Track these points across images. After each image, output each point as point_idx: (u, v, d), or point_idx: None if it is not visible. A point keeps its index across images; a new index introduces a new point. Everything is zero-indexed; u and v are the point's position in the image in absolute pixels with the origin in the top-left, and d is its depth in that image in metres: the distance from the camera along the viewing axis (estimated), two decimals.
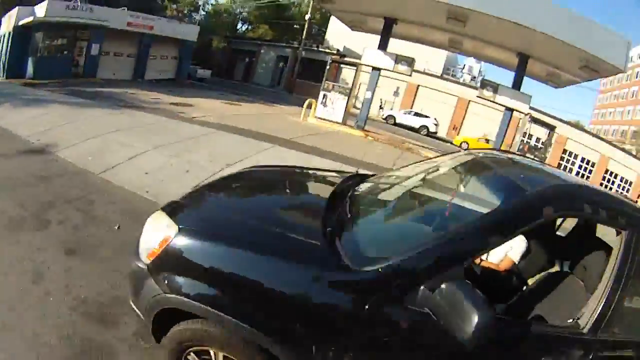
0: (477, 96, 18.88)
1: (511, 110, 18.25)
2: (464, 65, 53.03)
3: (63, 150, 8.49)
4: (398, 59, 17.99)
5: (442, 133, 36.91)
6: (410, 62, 18.13)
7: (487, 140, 33.35)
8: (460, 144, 32.83)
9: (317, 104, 18.52)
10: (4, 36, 26.64)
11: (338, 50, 39.27)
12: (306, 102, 18.39)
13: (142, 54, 28.39)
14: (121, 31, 25.96)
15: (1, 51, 26.87)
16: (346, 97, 18.28)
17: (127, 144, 9.14)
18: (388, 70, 18.59)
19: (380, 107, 38.34)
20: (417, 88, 38.52)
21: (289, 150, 10.84)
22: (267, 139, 11.61)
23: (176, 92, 21.03)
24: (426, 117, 33.90)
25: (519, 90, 18.29)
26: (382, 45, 18.70)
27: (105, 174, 7.46)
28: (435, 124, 34.27)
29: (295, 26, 48.70)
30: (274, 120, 16.97)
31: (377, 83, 19.05)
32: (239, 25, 53.29)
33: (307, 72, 38.95)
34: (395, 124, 32.98)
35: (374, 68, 18.62)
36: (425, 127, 33.58)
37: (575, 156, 38.53)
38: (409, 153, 17.00)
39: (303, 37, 39.19)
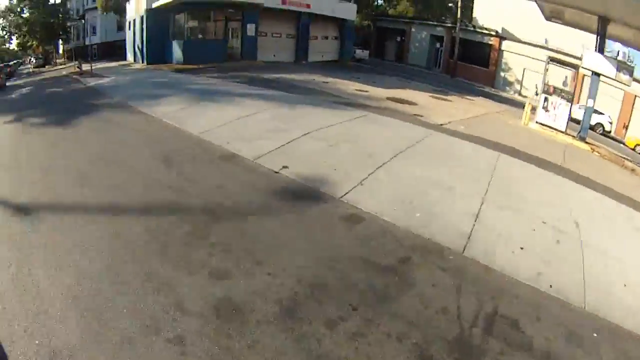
0: None
1: None
2: (618, 51, 45.52)
3: (350, 193, 6.08)
4: (620, 66, 15.39)
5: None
6: (631, 71, 15.60)
7: None
8: (635, 146, 28.38)
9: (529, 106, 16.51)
10: (134, 21, 25.44)
11: (497, 31, 35.20)
12: (526, 106, 16.68)
13: (302, 34, 26.69)
14: (275, 10, 24.05)
15: (133, 37, 25.98)
16: (569, 103, 15.74)
17: (444, 186, 6.70)
18: (609, 77, 15.96)
19: (536, 94, 34.46)
20: (583, 78, 33.66)
21: (593, 191, 8.65)
22: (551, 168, 9.50)
23: (366, 79, 19.03)
24: (601, 113, 29.39)
25: None
26: (599, 48, 15.97)
27: (525, 276, 4.73)
28: (610, 122, 29.76)
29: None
30: (503, 126, 14.97)
31: (597, 89, 16.36)
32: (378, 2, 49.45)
33: (465, 54, 35.15)
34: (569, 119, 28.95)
35: (594, 73, 15.87)
36: (601, 125, 29.23)
37: None
38: None
39: (458, 15, 35.00)
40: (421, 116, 12.14)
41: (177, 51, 21.72)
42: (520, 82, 35.08)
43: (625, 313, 4.64)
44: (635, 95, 33.27)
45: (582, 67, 16.20)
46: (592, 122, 28.76)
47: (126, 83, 16.03)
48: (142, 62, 23.88)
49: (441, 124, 11.57)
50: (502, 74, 35.46)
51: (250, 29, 23.19)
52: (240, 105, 10.90)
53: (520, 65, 34.59)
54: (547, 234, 5.93)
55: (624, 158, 17.76)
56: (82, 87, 17.10)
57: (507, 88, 35.16)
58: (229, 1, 21.65)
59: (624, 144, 28.94)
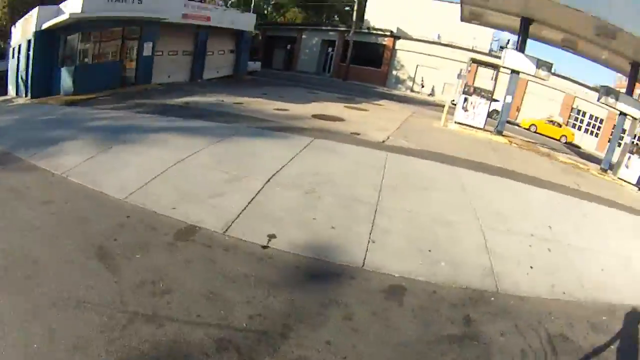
0: (601, 101, 17.54)
1: (625, 114, 17.39)
2: (508, 40, 50.73)
3: (369, 257, 5.24)
4: (539, 63, 16.44)
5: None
6: (549, 67, 16.77)
7: (553, 122, 31.68)
8: (529, 126, 31.16)
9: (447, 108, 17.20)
10: (19, 47, 21.05)
11: (391, 31, 35.83)
12: (445, 107, 17.13)
13: (199, 50, 24.24)
14: (175, 25, 21.15)
15: (17, 66, 21.36)
16: (488, 102, 16.51)
17: (440, 219, 6.43)
18: (529, 74, 17.17)
19: (422, 86, 35.74)
20: (477, 68, 35.67)
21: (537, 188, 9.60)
22: (495, 172, 10.17)
23: (274, 95, 17.71)
24: (496, 100, 31.23)
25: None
26: (521, 47, 16.87)
27: (545, 292, 5.25)
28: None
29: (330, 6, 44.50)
30: (431, 132, 14.85)
31: (516, 86, 17.53)
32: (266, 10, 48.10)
33: (357, 56, 35.19)
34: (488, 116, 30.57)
35: (513, 71, 16.69)
36: (497, 111, 31.34)
37: (586, 114, 36.69)
38: (564, 164, 15.38)
39: (354, 18, 35.14)
40: (358, 134, 11.52)
41: (66, 79, 17.85)
42: (413, 79, 36.14)
43: (617, 290, 5.72)
44: (528, 81, 36.07)
45: (503, 66, 16.78)
46: (490, 110, 30.55)
47: (9, 125, 12.64)
48: (26, 96, 19.72)
49: (383, 141, 11.15)
50: (394, 72, 36.42)
51: (147, 48, 20.12)
52: (165, 145, 8.69)
53: (414, 62, 35.65)
54: (540, 246, 6.47)
55: (533, 142, 19.15)
56: None
57: (400, 85, 36.07)
58: (129, 17, 18.34)
59: (519, 125, 31.62)
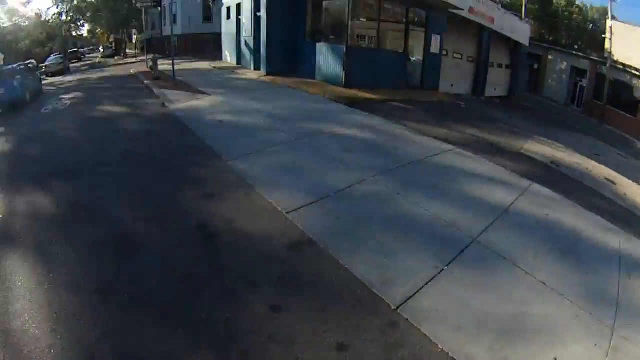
0: None
1: None
2: None
3: None
4: None
5: None
6: None
7: None
8: None
9: None
10: (238, 6, 19.00)
11: None
12: None
13: (482, 58, 19.77)
14: (458, 20, 17.02)
15: (237, 29, 19.83)
16: None
17: None
18: None
19: None
20: None
21: None
22: None
23: (583, 150, 11.77)
24: None
25: None
26: None
27: None
28: None
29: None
30: None
31: None
32: None
33: (610, 96, 27.34)
34: None
35: None
36: None
37: None
38: None
39: (610, 48, 27.27)
40: None
41: (328, 63, 13.76)
42: None
43: None
44: None
45: None
46: None
47: (262, 124, 8.30)
48: (259, 69, 16.29)
49: None
50: None
51: (435, 42, 15.59)
52: None
53: None
54: None
55: None
56: (158, 114, 9.53)
57: None
58: None
59: None
